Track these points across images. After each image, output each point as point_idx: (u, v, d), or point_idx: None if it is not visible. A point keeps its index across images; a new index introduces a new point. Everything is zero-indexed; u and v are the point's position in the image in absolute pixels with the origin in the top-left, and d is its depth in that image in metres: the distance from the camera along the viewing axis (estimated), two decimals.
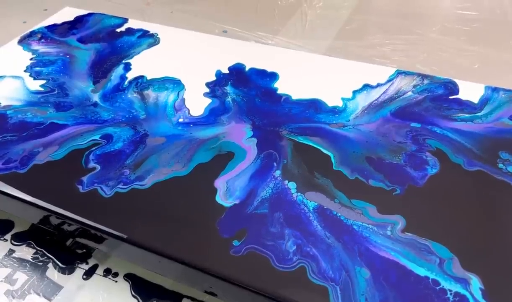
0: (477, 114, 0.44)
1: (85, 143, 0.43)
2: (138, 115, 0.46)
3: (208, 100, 0.48)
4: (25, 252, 0.43)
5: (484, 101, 0.45)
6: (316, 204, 0.36)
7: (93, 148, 0.42)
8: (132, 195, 0.38)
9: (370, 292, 0.30)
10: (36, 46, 0.58)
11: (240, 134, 0.43)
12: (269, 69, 0.51)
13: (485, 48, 0.66)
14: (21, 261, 0.42)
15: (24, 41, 0.59)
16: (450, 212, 0.35)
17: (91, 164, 0.41)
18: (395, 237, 0.34)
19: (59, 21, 0.63)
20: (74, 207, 0.37)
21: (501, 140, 0.41)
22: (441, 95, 0.46)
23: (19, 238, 0.44)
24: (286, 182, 0.38)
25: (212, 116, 0.46)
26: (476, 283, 0.31)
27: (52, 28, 0.61)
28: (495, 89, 0.46)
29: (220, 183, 0.39)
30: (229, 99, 0.48)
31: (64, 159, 0.42)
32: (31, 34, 0.60)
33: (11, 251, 0.43)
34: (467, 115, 0.44)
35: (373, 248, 0.33)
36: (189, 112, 0.46)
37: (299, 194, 0.37)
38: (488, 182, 0.37)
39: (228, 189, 0.38)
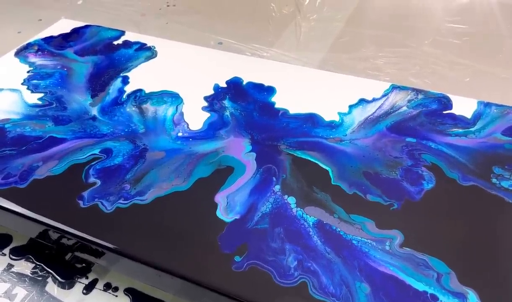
0: (471, 129, 0.45)
1: (85, 157, 0.43)
2: (137, 129, 0.46)
3: (206, 114, 0.48)
4: (24, 266, 0.43)
5: (477, 116, 0.46)
6: (316, 219, 0.37)
7: (93, 163, 0.43)
8: (133, 210, 0.38)
9: None
10: (33, 58, 0.58)
11: (239, 149, 0.44)
12: (266, 83, 0.52)
13: (475, 62, 0.68)
14: (20, 275, 0.42)
15: (21, 53, 0.59)
16: (446, 227, 0.36)
17: (91, 179, 0.41)
18: (394, 252, 0.34)
19: (55, 33, 0.63)
20: (75, 222, 0.37)
21: (494, 155, 0.42)
22: (435, 110, 0.47)
23: (18, 253, 0.44)
24: (286, 196, 0.39)
25: (211, 131, 0.46)
26: (473, 297, 0.31)
27: (49, 40, 0.62)
28: (487, 104, 0.47)
29: (220, 198, 0.39)
30: (227, 113, 0.48)
31: (64, 174, 0.42)
32: (28, 46, 0.60)
33: (10, 266, 0.43)
34: (460, 130, 0.45)
35: (373, 263, 0.34)
36: (188, 127, 0.47)
37: (298, 208, 0.38)
38: (483, 196, 0.38)
39: (228, 204, 0.38)
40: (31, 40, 0.61)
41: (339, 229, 0.36)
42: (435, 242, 0.35)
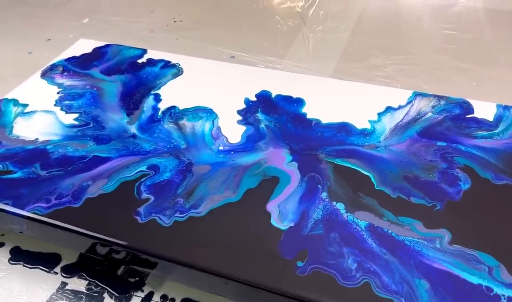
0: (494, 131, 0.48)
1: (133, 174, 0.45)
2: (179, 145, 0.48)
3: (242, 128, 0.50)
4: (78, 283, 0.44)
5: (498, 119, 0.49)
6: (367, 222, 0.39)
7: (142, 180, 0.44)
8: (191, 222, 0.40)
9: None
10: (60, 79, 0.59)
11: (280, 159, 0.46)
12: (293, 95, 0.54)
13: (479, 66, 0.72)
14: (76, 293, 0.43)
15: (47, 74, 0.60)
16: (488, 224, 0.39)
17: (144, 195, 0.43)
18: (444, 249, 0.37)
19: (77, 54, 0.64)
20: (138, 238, 0.39)
21: None
22: (458, 115, 0.50)
23: (69, 271, 0.45)
24: (334, 203, 0.41)
25: (250, 143, 0.48)
26: None
27: (72, 60, 0.63)
28: (506, 107, 0.51)
29: (272, 207, 0.41)
30: (262, 125, 0.50)
31: (116, 191, 0.43)
32: (52, 68, 0.61)
33: (64, 284, 0.44)
34: (485, 132, 0.48)
35: (427, 260, 0.36)
36: (227, 140, 0.48)
37: (348, 214, 0.40)
38: None
39: (281, 212, 0.40)
40: (53, 61, 0.62)
41: (390, 231, 0.38)
42: (481, 238, 0.38)
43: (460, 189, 0.42)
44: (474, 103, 0.52)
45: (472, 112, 0.51)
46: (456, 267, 0.36)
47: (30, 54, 0.80)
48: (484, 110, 0.51)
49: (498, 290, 0.34)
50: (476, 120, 0.49)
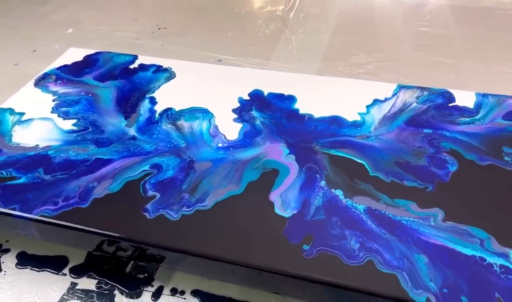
0: (476, 117, 0.51)
1: (137, 174, 0.46)
2: (179, 144, 0.50)
3: (239, 125, 0.52)
4: (88, 283, 0.45)
5: (478, 106, 0.53)
6: (365, 206, 0.42)
7: (146, 178, 0.45)
8: (198, 215, 0.42)
9: (433, 274, 0.36)
10: (54, 87, 0.60)
11: (278, 153, 0.48)
12: (284, 93, 0.57)
13: (455, 60, 0.75)
14: (87, 291, 0.44)
15: (40, 83, 0.61)
16: (477, 201, 0.42)
17: (150, 193, 0.44)
18: (439, 226, 0.40)
19: (68, 62, 0.65)
20: (148, 232, 0.40)
21: (500, 138, 0.48)
22: (441, 104, 0.53)
23: (78, 271, 0.46)
24: (333, 190, 0.43)
25: (247, 139, 0.50)
26: None
27: (64, 69, 0.63)
28: (484, 95, 0.54)
29: (274, 197, 0.43)
30: (258, 122, 0.52)
31: (122, 191, 0.44)
32: (45, 76, 0.62)
33: (74, 284, 0.45)
34: (467, 119, 0.51)
35: (424, 237, 0.39)
36: (225, 137, 0.50)
37: (347, 199, 0.42)
38: (500, 172, 0.44)
39: (283, 201, 0.42)
40: (46, 70, 0.63)
41: (387, 213, 0.41)
42: (471, 214, 0.40)
43: (449, 170, 0.45)
44: (454, 92, 0.55)
45: (454, 101, 0.54)
46: (451, 241, 0.38)
47: (16, 65, 0.80)
48: (465, 98, 0.54)
49: (491, 259, 0.37)
50: (458, 108, 0.53)
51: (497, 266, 0.36)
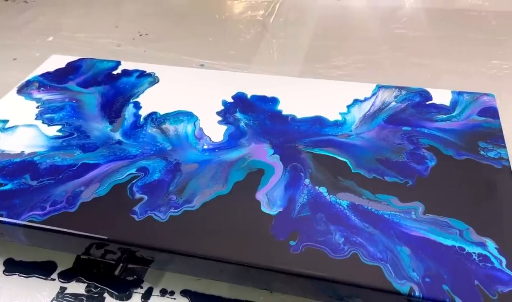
0: (452, 114, 0.53)
1: (124, 177, 0.47)
2: (165, 147, 0.50)
3: (223, 127, 0.53)
4: (77, 287, 0.45)
5: (454, 103, 0.54)
6: (348, 202, 0.43)
7: (133, 181, 0.46)
8: (186, 216, 0.42)
9: (415, 264, 0.37)
10: (37, 94, 0.60)
11: (263, 153, 0.49)
12: (267, 95, 0.58)
13: (431, 60, 0.78)
14: (76, 296, 0.44)
15: (23, 90, 0.61)
16: (455, 193, 0.43)
17: (137, 195, 0.45)
18: (420, 219, 0.41)
19: (51, 69, 0.65)
20: (137, 234, 0.41)
21: (476, 133, 0.50)
22: (419, 102, 0.55)
23: (66, 276, 0.46)
24: (317, 187, 0.45)
25: (232, 141, 0.51)
26: (491, 244, 0.39)
27: (47, 76, 0.64)
28: (460, 93, 0.56)
29: (260, 196, 0.44)
30: (242, 124, 0.53)
31: (109, 194, 0.45)
32: (28, 84, 0.62)
33: (63, 289, 0.45)
34: (444, 116, 0.53)
35: (405, 230, 0.40)
36: (210, 139, 0.51)
37: (331, 195, 0.44)
38: (477, 166, 0.46)
39: (269, 200, 0.43)
40: (28, 77, 0.63)
41: (370, 207, 0.42)
42: (450, 206, 0.42)
43: (428, 166, 0.46)
44: (431, 91, 0.57)
45: (431, 99, 0.56)
46: (432, 233, 0.40)
47: None
48: (441, 97, 0.56)
49: (469, 248, 0.38)
50: (435, 106, 0.55)
51: (475, 255, 0.38)
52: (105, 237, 0.41)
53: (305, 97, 0.58)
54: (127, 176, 0.47)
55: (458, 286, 0.36)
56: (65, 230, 0.42)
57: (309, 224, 0.41)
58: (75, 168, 0.48)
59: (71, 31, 0.93)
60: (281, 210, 0.42)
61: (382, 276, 0.37)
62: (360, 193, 0.44)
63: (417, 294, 0.35)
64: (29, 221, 0.42)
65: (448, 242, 0.39)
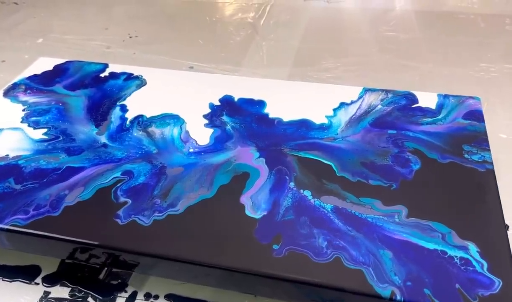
0: (437, 117, 0.53)
1: (109, 181, 0.46)
2: (150, 151, 0.50)
3: (210, 130, 0.53)
4: (61, 291, 0.45)
5: (440, 106, 0.55)
6: (332, 205, 0.43)
7: (118, 185, 0.46)
8: (170, 220, 0.42)
9: (397, 268, 0.37)
10: (24, 97, 0.59)
11: (248, 156, 0.49)
12: (254, 98, 0.58)
13: (419, 63, 0.78)
14: (60, 300, 0.44)
15: (9, 93, 0.60)
16: (438, 197, 0.44)
17: (122, 199, 0.44)
18: (403, 222, 0.41)
19: (38, 72, 0.65)
20: (120, 238, 0.41)
21: (461, 136, 0.50)
22: (405, 105, 0.55)
23: (50, 280, 0.46)
24: (301, 190, 0.45)
25: (218, 144, 0.51)
26: (473, 248, 0.39)
27: (34, 78, 0.63)
28: (446, 96, 0.56)
29: (245, 199, 0.44)
30: (228, 127, 0.53)
31: (93, 198, 0.45)
32: (14, 87, 0.62)
33: (47, 293, 0.45)
34: (430, 119, 0.53)
35: (388, 233, 0.40)
36: (196, 143, 0.51)
37: (315, 199, 0.44)
38: (461, 169, 0.46)
39: (254, 203, 0.44)
40: (15, 80, 0.63)
41: (354, 211, 0.42)
42: (433, 210, 0.42)
43: (412, 169, 0.47)
44: (418, 94, 0.57)
45: (417, 102, 0.56)
46: (414, 236, 0.40)
47: None
48: (427, 100, 0.56)
49: (451, 252, 0.38)
50: (420, 109, 0.55)
51: (457, 259, 0.38)
52: (88, 241, 0.41)
53: (292, 100, 0.58)
54: (111, 179, 0.47)
55: (439, 290, 0.36)
56: (47, 234, 0.41)
57: (293, 227, 0.41)
58: (59, 171, 0.48)
59: (61, 33, 0.93)
60: (265, 213, 0.42)
61: (364, 280, 0.37)
62: (344, 197, 0.44)
63: (398, 298, 0.35)
64: (12, 225, 0.42)
65: (431, 246, 0.39)
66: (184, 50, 0.85)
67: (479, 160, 0.47)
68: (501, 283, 0.36)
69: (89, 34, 0.92)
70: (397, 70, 0.76)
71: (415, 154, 0.48)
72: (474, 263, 0.38)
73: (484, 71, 0.74)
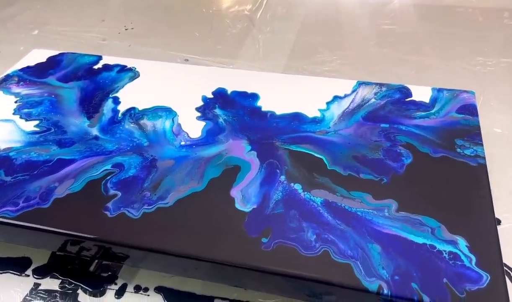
0: (431, 111, 0.53)
1: (99, 173, 0.46)
2: (142, 143, 0.50)
3: (202, 123, 0.53)
4: (51, 283, 0.45)
5: (433, 100, 0.54)
6: (322, 199, 0.43)
7: (108, 177, 0.46)
8: (159, 213, 0.42)
9: (385, 262, 0.37)
10: (16, 89, 0.59)
11: (240, 149, 0.49)
12: (248, 91, 0.58)
13: (416, 57, 0.78)
14: (50, 292, 0.44)
15: (2, 85, 0.60)
16: (429, 191, 0.43)
17: (111, 191, 0.44)
18: (392, 216, 0.41)
19: (31, 63, 0.64)
20: (109, 231, 0.41)
21: (454, 130, 0.50)
22: (399, 99, 0.55)
23: (41, 272, 0.46)
24: (292, 184, 0.44)
25: (210, 137, 0.51)
26: (462, 242, 0.39)
27: (27, 70, 0.63)
28: (440, 90, 0.56)
29: (235, 192, 0.44)
30: (221, 120, 0.53)
31: (83, 190, 0.45)
32: (7, 78, 0.61)
33: (37, 285, 0.45)
34: (423, 113, 0.53)
35: (377, 227, 0.40)
36: (188, 136, 0.51)
37: (305, 192, 0.44)
38: (452, 163, 0.46)
39: (244, 197, 0.43)
40: (8, 72, 0.63)
41: (343, 205, 0.42)
42: (423, 204, 0.42)
43: (403, 163, 0.46)
44: (412, 88, 0.57)
45: (411, 96, 0.56)
46: (403, 230, 0.40)
47: None
48: (421, 93, 0.56)
49: (440, 246, 0.38)
50: (414, 103, 0.54)
51: (446, 253, 0.38)
52: (76, 234, 0.41)
53: (285, 93, 0.57)
54: (102, 171, 0.47)
55: (427, 284, 0.36)
56: (36, 226, 0.41)
57: (282, 221, 0.41)
58: (50, 163, 0.48)
59: (57, 25, 0.93)
60: (255, 206, 0.42)
61: (352, 274, 0.37)
62: (335, 190, 0.44)
63: (385, 292, 0.35)
64: (1, 217, 0.42)
65: (420, 240, 0.39)
66: (180, 42, 0.85)
67: (471, 154, 0.47)
68: (489, 278, 0.36)
69: (85, 26, 0.92)
70: (394, 63, 0.76)
71: (407, 148, 0.48)
72: (462, 257, 0.37)
73: (480, 65, 0.74)
